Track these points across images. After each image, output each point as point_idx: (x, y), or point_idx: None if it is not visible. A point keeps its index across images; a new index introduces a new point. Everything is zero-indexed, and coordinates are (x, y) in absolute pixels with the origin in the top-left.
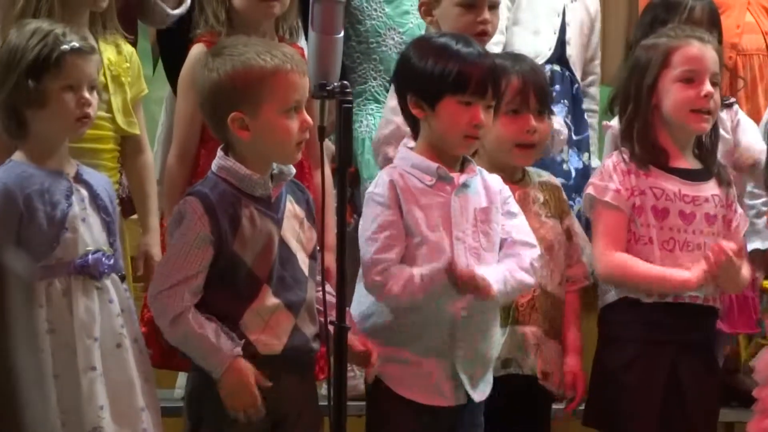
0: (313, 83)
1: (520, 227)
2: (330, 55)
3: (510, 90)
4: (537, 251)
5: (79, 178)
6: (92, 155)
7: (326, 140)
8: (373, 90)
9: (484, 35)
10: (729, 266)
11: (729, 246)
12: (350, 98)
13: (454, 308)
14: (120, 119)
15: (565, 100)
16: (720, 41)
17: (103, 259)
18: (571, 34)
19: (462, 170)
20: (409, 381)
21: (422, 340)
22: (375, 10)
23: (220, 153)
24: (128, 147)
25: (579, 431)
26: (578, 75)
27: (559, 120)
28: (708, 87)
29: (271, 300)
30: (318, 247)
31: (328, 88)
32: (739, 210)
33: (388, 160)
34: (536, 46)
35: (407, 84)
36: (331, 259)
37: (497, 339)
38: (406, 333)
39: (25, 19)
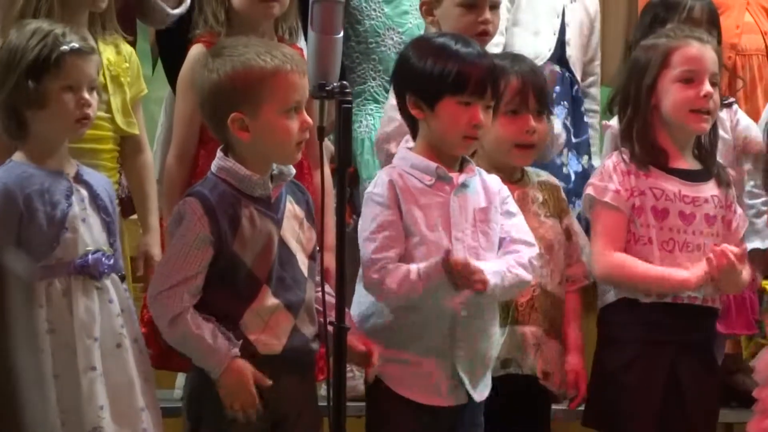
0: (312, 83)
1: (518, 227)
2: (329, 55)
3: (509, 90)
4: (535, 250)
5: (79, 179)
6: (91, 155)
7: (325, 140)
8: (372, 90)
9: (485, 35)
10: (731, 270)
11: (731, 250)
12: (350, 98)
13: (453, 304)
14: (119, 119)
15: (565, 102)
16: (719, 41)
17: (103, 259)
18: (571, 35)
19: (461, 170)
20: (409, 381)
21: (422, 340)
22: (374, 10)
23: (219, 154)
24: (128, 147)
25: (579, 431)
26: (578, 76)
27: (557, 124)
28: (707, 87)
29: (271, 300)
30: (317, 248)
31: (327, 88)
32: (739, 210)
33: (390, 157)
34: (536, 47)
35: (406, 84)
36: (330, 260)
37: (497, 339)
38: (406, 333)
39: (25, 19)
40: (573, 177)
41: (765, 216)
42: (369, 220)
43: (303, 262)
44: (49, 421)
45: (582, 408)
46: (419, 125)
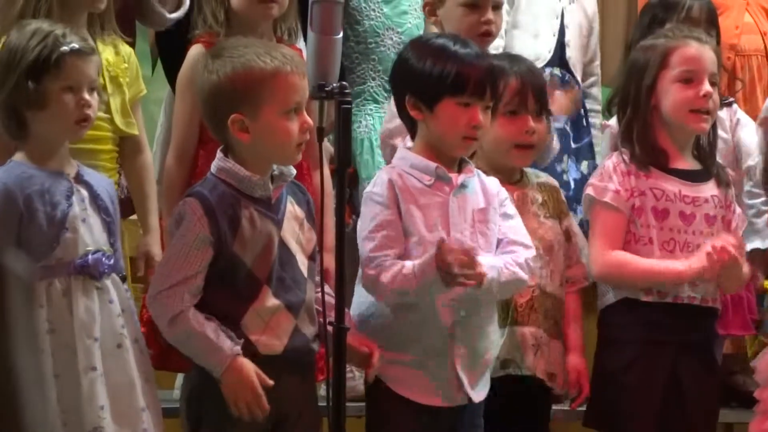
0: (311, 84)
1: (516, 228)
2: (329, 55)
3: (508, 91)
4: (532, 252)
5: (79, 179)
6: (90, 156)
7: (325, 141)
8: (371, 90)
9: (488, 35)
10: (732, 264)
11: (728, 241)
12: (349, 99)
13: (449, 303)
14: (118, 120)
15: None
16: (718, 41)
17: (103, 259)
18: (571, 36)
19: (460, 171)
20: (409, 381)
21: (421, 340)
22: (373, 10)
23: (219, 154)
24: (127, 147)
25: (579, 431)
26: (579, 77)
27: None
28: (707, 87)
29: (272, 301)
30: (317, 248)
31: (327, 88)
32: (738, 210)
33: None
34: (536, 49)
35: (405, 85)
36: (330, 260)
37: (496, 339)
38: (406, 334)
39: (24, 19)
40: (573, 185)
41: (765, 216)
42: (368, 219)
43: (303, 263)
44: (50, 421)
45: (582, 408)
46: (418, 126)
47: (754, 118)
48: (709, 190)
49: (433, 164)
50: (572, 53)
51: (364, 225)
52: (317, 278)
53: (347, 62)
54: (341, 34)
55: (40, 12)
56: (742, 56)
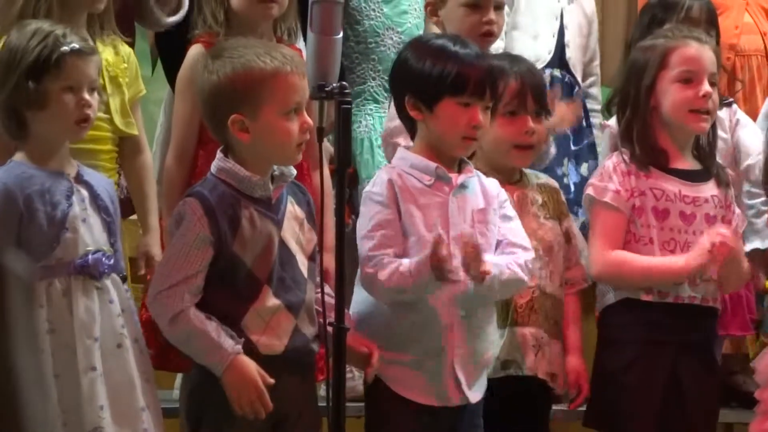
0: (311, 84)
1: (515, 230)
2: (329, 56)
3: (508, 91)
4: (531, 254)
5: (79, 179)
6: (90, 156)
7: (324, 141)
8: (371, 90)
9: (490, 36)
10: (733, 258)
11: (724, 234)
12: (349, 99)
13: (447, 298)
14: (118, 120)
15: None
16: (718, 41)
17: (103, 259)
18: (570, 37)
19: (459, 171)
20: (408, 381)
21: (421, 341)
22: (373, 10)
23: (219, 155)
24: (127, 148)
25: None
26: (579, 77)
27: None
28: (706, 87)
29: (272, 301)
30: (317, 249)
31: (326, 89)
32: (737, 210)
33: None
34: (536, 50)
35: (405, 85)
36: (330, 260)
37: (495, 340)
38: (405, 334)
39: (24, 19)
40: (573, 188)
41: (765, 216)
42: (367, 218)
43: (303, 263)
44: (50, 421)
45: (582, 408)
46: (418, 126)
47: (754, 118)
48: (709, 190)
49: (433, 164)
50: (572, 54)
51: (363, 224)
52: (317, 278)
53: (347, 62)
54: (341, 35)
55: (39, 12)
56: (741, 56)
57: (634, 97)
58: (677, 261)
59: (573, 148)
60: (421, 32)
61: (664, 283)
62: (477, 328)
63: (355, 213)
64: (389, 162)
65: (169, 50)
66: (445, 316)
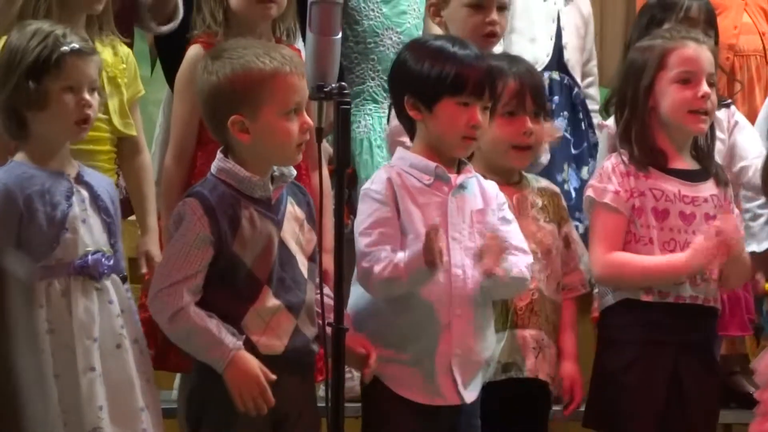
0: (310, 85)
1: (514, 234)
2: (328, 56)
3: (506, 92)
4: (530, 258)
5: (80, 179)
6: (89, 157)
7: (323, 141)
8: (371, 90)
9: (493, 36)
10: (736, 257)
11: (720, 228)
12: (348, 99)
13: (442, 296)
14: (116, 120)
15: (565, 112)
16: (716, 41)
17: (103, 259)
18: (568, 39)
19: (459, 172)
20: (406, 380)
21: (418, 339)
22: (372, 10)
23: (219, 155)
24: (125, 148)
25: None
26: (578, 78)
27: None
28: (705, 87)
29: (272, 301)
30: (317, 249)
31: (325, 89)
32: (736, 210)
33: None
34: (534, 53)
35: (404, 86)
36: (329, 261)
37: (492, 341)
38: (403, 333)
39: (23, 20)
40: (573, 194)
41: (761, 219)
42: (365, 215)
43: (303, 264)
44: (50, 422)
45: (581, 409)
46: (417, 127)
47: (753, 118)
48: (708, 189)
49: (432, 164)
50: (570, 55)
51: (361, 220)
52: (317, 279)
53: (346, 62)
54: (340, 35)
55: (39, 13)
56: (740, 56)
57: (632, 98)
58: (678, 260)
59: (573, 151)
60: (420, 32)
61: (665, 282)
62: (475, 328)
63: (354, 214)
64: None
65: (168, 51)
66: (442, 316)
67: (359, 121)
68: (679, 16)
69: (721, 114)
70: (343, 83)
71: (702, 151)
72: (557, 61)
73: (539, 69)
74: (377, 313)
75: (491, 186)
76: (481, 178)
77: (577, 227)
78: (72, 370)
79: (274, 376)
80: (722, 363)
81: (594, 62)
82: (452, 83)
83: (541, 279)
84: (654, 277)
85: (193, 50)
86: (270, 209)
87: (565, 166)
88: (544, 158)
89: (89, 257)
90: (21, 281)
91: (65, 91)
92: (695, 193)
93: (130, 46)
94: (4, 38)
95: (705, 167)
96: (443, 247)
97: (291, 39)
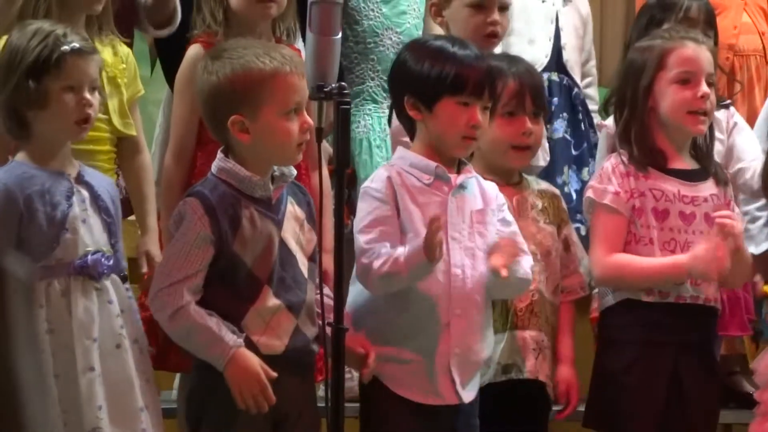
0: (310, 85)
1: (514, 236)
2: (328, 56)
3: (506, 92)
4: (531, 260)
5: (80, 179)
6: (88, 156)
7: (323, 141)
8: (370, 90)
9: (494, 37)
10: (738, 257)
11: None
12: (348, 99)
13: (442, 295)
14: (116, 120)
15: (565, 113)
16: (716, 42)
17: (103, 260)
18: (566, 39)
19: (458, 172)
20: (405, 379)
21: (417, 338)
22: (372, 10)
23: (219, 155)
24: (125, 148)
25: None
26: (577, 79)
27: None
28: (704, 88)
29: (272, 301)
30: (317, 249)
31: (325, 89)
32: (737, 209)
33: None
34: (533, 55)
35: (404, 86)
36: (328, 261)
37: (491, 341)
38: (401, 332)
39: (23, 20)
40: (574, 196)
41: (760, 221)
42: (365, 213)
43: (303, 263)
44: (50, 422)
45: (582, 409)
46: (417, 127)
47: (753, 118)
48: (707, 189)
49: (433, 163)
50: (569, 56)
51: (360, 218)
52: (317, 279)
53: (346, 62)
54: (340, 35)
55: (38, 13)
56: (740, 56)
57: (631, 98)
58: (679, 262)
59: (574, 152)
60: (419, 32)
61: (666, 283)
62: (474, 328)
63: (354, 214)
64: None
65: (167, 51)
66: (441, 315)
67: (359, 121)
68: (679, 17)
69: (721, 115)
70: (342, 83)
71: (701, 150)
72: (556, 62)
73: (538, 70)
74: (376, 312)
75: (491, 187)
76: (481, 179)
77: (578, 229)
78: (71, 370)
79: (274, 374)
80: (721, 363)
81: (593, 62)
82: (452, 83)
83: (541, 280)
84: (655, 278)
85: (193, 50)
86: (270, 209)
87: (565, 169)
88: (544, 160)
89: (89, 257)
90: (21, 282)
91: (66, 90)
92: (695, 192)
93: (130, 46)
94: (5, 38)
95: (704, 167)
96: (443, 242)
97: (291, 39)
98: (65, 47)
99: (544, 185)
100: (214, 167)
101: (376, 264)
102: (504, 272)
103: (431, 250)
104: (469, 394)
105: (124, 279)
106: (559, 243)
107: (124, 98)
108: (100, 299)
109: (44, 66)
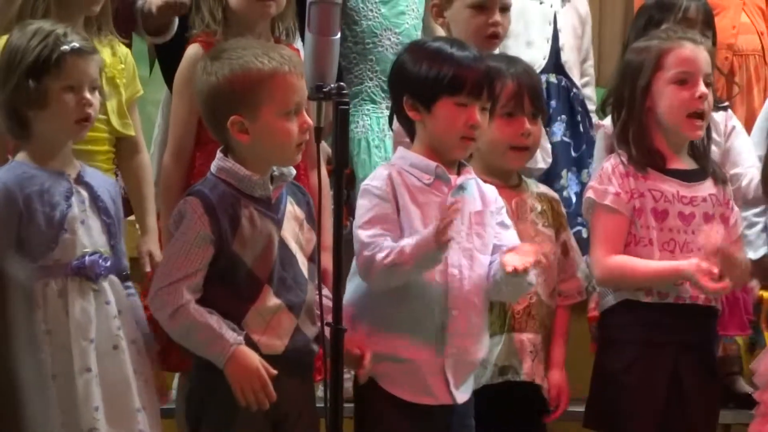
0: (309, 85)
1: (512, 239)
2: (326, 56)
3: (505, 93)
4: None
5: (80, 180)
6: (87, 157)
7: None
8: (369, 90)
9: (495, 38)
10: (732, 258)
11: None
12: (347, 100)
13: (439, 296)
14: (115, 121)
15: (563, 116)
16: (714, 42)
17: (100, 261)
18: (565, 40)
19: (459, 174)
20: (401, 379)
21: (413, 338)
22: (371, 10)
23: (219, 155)
24: (124, 148)
25: None
26: (576, 79)
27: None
28: (702, 88)
29: (273, 300)
30: (316, 249)
31: (324, 89)
32: (736, 208)
33: None
34: (530, 57)
35: (403, 87)
36: (327, 259)
37: (486, 342)
38: (397, 332)
39: (22, 20)
40: (574, 199)
41: (757, 227)
42: (366, 209)
43: (303, 263)
44: (50, 422)
45: (580, 408)
46: (416, 127)
47: (752, 118)
48: (706, 189)
49: (433, 163)
50: (567, 56)
51: (361, 215)
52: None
53: (345, 62)
54: (339, 35)
55: (37, 13)
56: (739, 56)
57: (629, 99)
58: (680, 265)
59: (573, 154)
60: (418, 33)
61: (666, 283)
62: (470, 329)
63: (353, 215)
64: None
65: (166, 51)
66: (438, 315)
67: (357, 122)
68: (677, 17)
69: (719, 117)
70: (341, 83)
71: (699, 150)
72: (554, 63)
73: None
74: (373, 309)
75: (490, 190)
76: (481, 181)
77: (580, 232)
78: (68, 371)
79: (275, 371)
80: (721, 364)
81: (591, 62)
82: (450, 83)
83: (539, 283)
84: (656, 279)
85: (192, 49)
86: (270, 208)
87: (564, 172)
88: (545, 162)
89: (86, 258)
90: (22, 283)
91: (66, 90)
92: (693, 193)
93: (129, 46)
94: (5, 38)
95: (702, 166)
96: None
97: (290, 38)
98: (65, 47)
99: (544, 188)
100: (213, 167)
101: (380, 256)
102: (509, 268)
103: (443, 232)
104: (462, 395)
105: (126, 278)
106: (558, 246)
107: (123, 98)
108: (98, 300)
109: (44, 66)
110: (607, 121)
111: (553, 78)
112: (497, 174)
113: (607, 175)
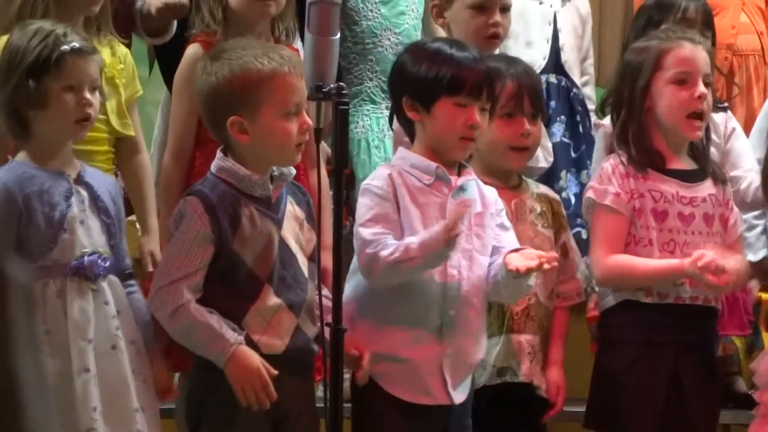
0: (309, 85)
1: (512, 241)
2: (326, 56)
3: (504, 94)
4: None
5: (80, 180)
6: (86, 157)
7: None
8: (369, 91)
9: (496, 38)
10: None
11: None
12: (346, 100)
13: (438, 296)
14: (114, 121)
15: (563, 116)
16: (713, 42)
17: (99, 261)
18: (565, 40)
19: (459, 175)
20: (399, 379)
21: (411, 338)
22: (371, 11)
23: (219, 154)
24: (124, 149)
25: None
26: (576, 79)
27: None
28: (701, 88)
29: (273, 300)
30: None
31: (324, 89)
32: (736, 208)
33: None
34: (530, 58)
35: (402, 87)
36: (327, 259)
37: (484, 343)
38: (396, 332)
39: (22, 20)
40: (573, 200)
41: (756, 229)
42: (367, 208)
43: (303, 263)
44: (50, 422)
45: (580, 408)
46: (416, 128)
47: (752, 118)
48: (706, 189)
49: (433, 164)
50: (567, 56)
51: (362, 213)
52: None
53: (344, 63)
54: (338, 35)
55: (37, 13)
56: (739, 56)
57: (628, 99)
58: (681, 265)
59: (573, 155)
60: (418, 33)
61: (667, 283)
62: (468, 330)
63: (353, 215)
64: None
65: (166, 51)
66: (436, 316)
67: (357, 122)
68: (677, 17)
69: (719, 118)
70: (341, 83)
71: (698, 150)
72: (554, 63)
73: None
74: (372, 310)
75: (490, 192)
76: (481, 183)
77: (579, 233)
78: (67, 371)
79: (275, 371)
80: (720, 364)
81: (590, 61)
82: (449, 83)
83: (538, 284)
84: (655, 278)
85: (192, 49)
86: (270, 208)
87: (564, 173)
88: (546, 162)
89: (85, 258)
90: (21, 283)
91: (66, 90)
92: (693, 193)
93: (128, 46)
94: (5, 38)
95: (702, 166)
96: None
97: (290, 39)
98: (65, 47)
99: (544, 189)
100: (213, 166)
101: (384, 253)
102: (512, 266)
103: (453, 228)
104: (460, 395)
105: (128, 276)
106: (557, 248)
107: (123, 99)
108: (96, 300)
109: (44, 66)
110: (607, 121)
111: (553, 78)
112: (497, 174)
113: (607, 175)
